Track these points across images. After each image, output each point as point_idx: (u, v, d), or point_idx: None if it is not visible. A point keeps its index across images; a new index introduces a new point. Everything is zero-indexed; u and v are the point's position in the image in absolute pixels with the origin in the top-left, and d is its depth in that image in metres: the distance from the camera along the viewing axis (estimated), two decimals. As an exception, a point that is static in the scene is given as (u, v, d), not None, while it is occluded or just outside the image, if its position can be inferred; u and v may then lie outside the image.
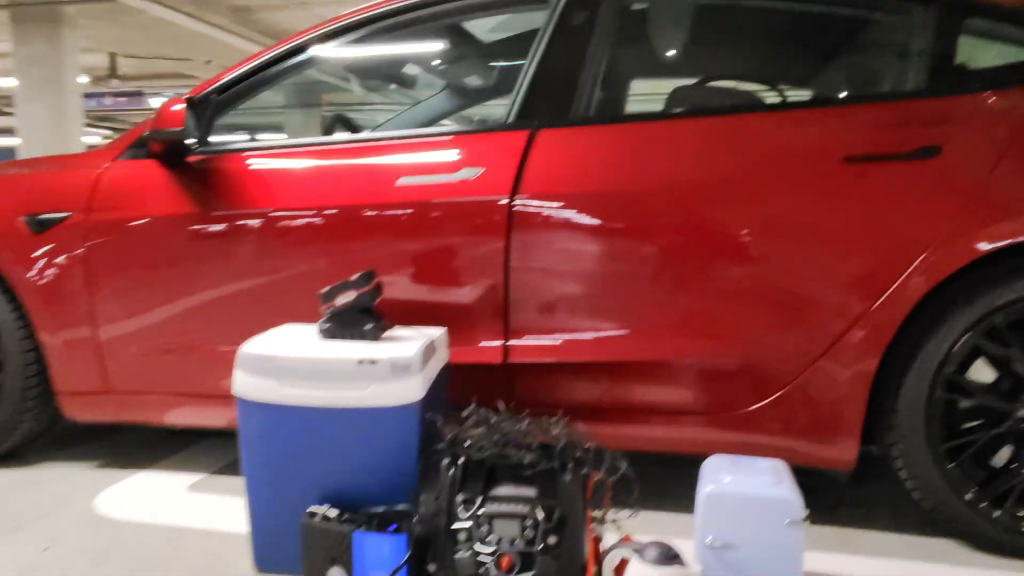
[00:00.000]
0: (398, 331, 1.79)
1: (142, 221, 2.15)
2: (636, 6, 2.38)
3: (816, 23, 2.35)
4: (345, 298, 1.65)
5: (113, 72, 11.72)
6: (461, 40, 2.89)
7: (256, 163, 2.14)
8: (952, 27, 1.95)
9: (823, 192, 1.81)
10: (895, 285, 1.76)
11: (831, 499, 2.11)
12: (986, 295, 1.75)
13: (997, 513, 1.76)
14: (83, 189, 2.22)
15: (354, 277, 1.67)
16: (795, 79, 2.80)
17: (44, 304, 2.21)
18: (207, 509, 2.02)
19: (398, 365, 1.57)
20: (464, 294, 1.96)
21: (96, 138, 19.42)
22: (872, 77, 2.22)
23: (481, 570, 1.40)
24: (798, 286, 1.83)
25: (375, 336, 1.66)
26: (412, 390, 1.58)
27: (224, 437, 2.56)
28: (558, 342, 1.94)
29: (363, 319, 1.66)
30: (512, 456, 1.49)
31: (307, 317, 2.01)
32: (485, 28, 2.78)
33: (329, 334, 1.68)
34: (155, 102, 14.66)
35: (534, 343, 1.95)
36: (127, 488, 2.18)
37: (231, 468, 2.33)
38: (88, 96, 11.42)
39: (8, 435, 2.28)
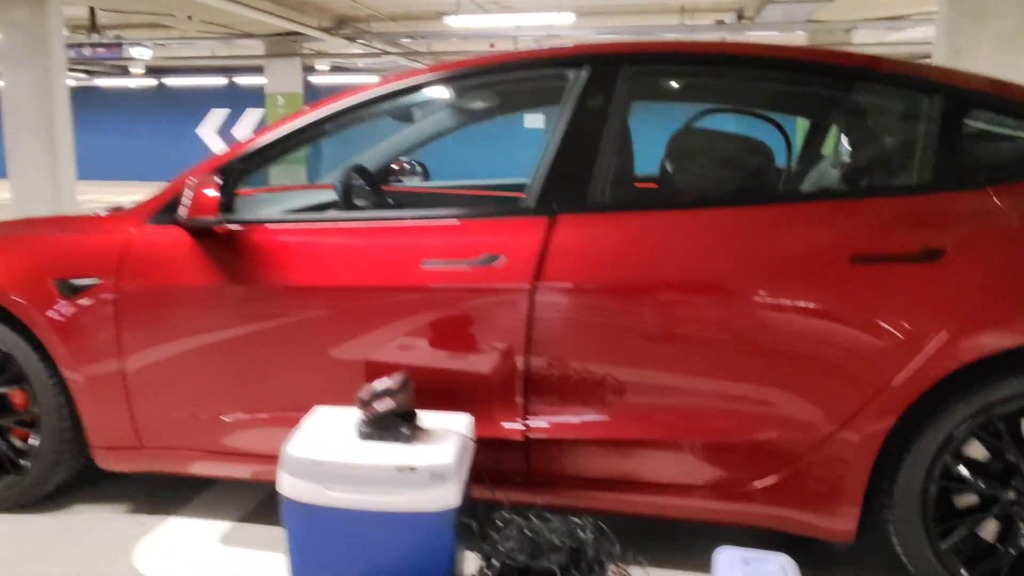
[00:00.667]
0: (429, 420, 1.88)
1: (170, 289, 2.22)
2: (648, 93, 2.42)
3: (821, 107, 2.39)
4: (383, 405, 1.74)
5: (93, 27, 11.39)
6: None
7: (282, 237, 2.19)
8: (956, 119, 2.03)
9: (831, 290, 1.91)
10: (897, 379, 1.87)
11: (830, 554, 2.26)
12: (982, 393, 1.87)
13: None
14: (112, 255, 2.27)
15: (393, 384, 1.76)
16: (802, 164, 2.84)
17: (78, 367, 2.28)
18: (241, 566, 2.14)
19: (436, 473, 1.68)
20: (486, 374, 2.05)
21: (71, 81, 18.90)
22: (879, 168, 2.28)
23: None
24: (806, 377, 1.94)
25: (411, 440, 1.76)
26: (449, 497, 1.69)
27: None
28: (576, 420, 2.05)
29: (400, 423, 1.76)
30: (545, 562, 1.61)
31: (330, 389, 2.11)
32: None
33: (367, 436, 1.77)
34: (136, 52, 14.30)
35: (552, 421, 2.06)
36: (162, 540, 2.29)
37: (256, 515, 2.44)
38: (68, 46, 11.07)
39: (41, 486, 2.39)
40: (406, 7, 11.28)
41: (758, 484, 2.00)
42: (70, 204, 7.75)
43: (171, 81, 19.04)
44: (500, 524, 1.68)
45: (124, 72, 18.25)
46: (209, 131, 19.79)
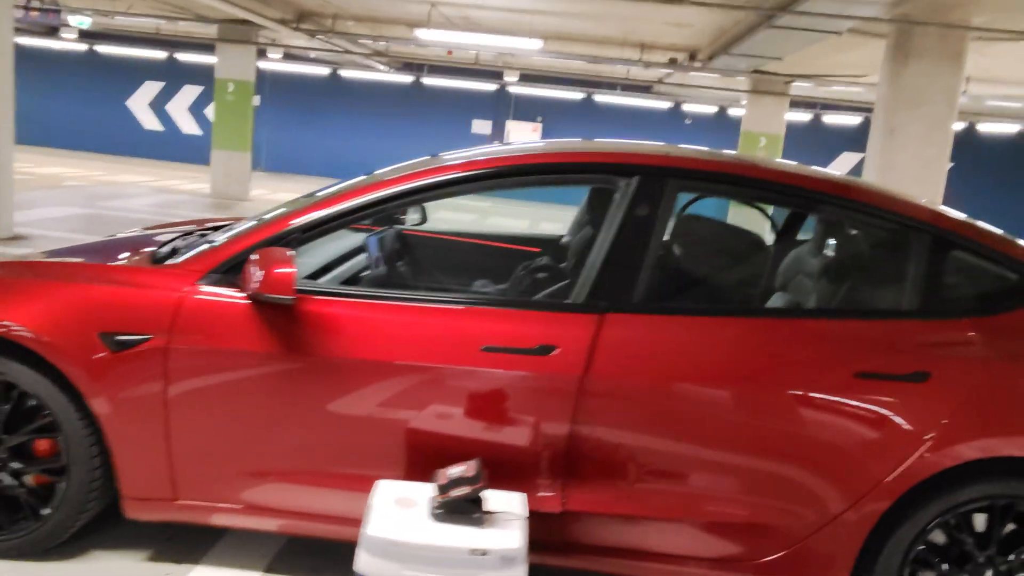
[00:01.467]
0: (493, 500, 2.03)
1: (222, 351, 2.27)
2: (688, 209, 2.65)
3: (834, 237, 2.68)
4: (459, 491, 1.90)
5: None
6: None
7: (340, 310, 2.28)
8: (941, 256, 2.36)
9: (837, 397, 2.20)
10: (887, 479, 2.18)
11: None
12: (950, 494, 2.20)
13: None
14: (164, 314, 2.28)
15: (470, 471, 1.92)
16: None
17: (119, 420, 2.29)
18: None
19: (507, 557, 1.86)
20: (529, 452, 2.24)
21: None
22: (876, 292, 2.59)
23: None
24: (813, 471, 2.22)
25: (481, 523, 1.93)
26: (515, 579, 1.88)
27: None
28: (608, 497, 2.26)
29: (472, 508, 1.93)
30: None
31: (379, 457, 2.26)
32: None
33: (440, 518, 1.93)
34: (73, 20, 13.65)
35: (587, 497, 2.26)
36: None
37: (280, 563, 2.53)
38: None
39: (62, 533, 2.39)
40: (374, 11, 11.25)
41: (765, 560, 2.27)
42: (6, 171, 7.24)
43: (105, 49, 18.20)
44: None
45: (52, 32, 17.30)
46: (141, 104, 19.02)
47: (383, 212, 2.45)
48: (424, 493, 2.03)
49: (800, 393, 2.21)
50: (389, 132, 19.29)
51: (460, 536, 1.88)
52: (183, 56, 17.78)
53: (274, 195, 14.33)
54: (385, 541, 1.86)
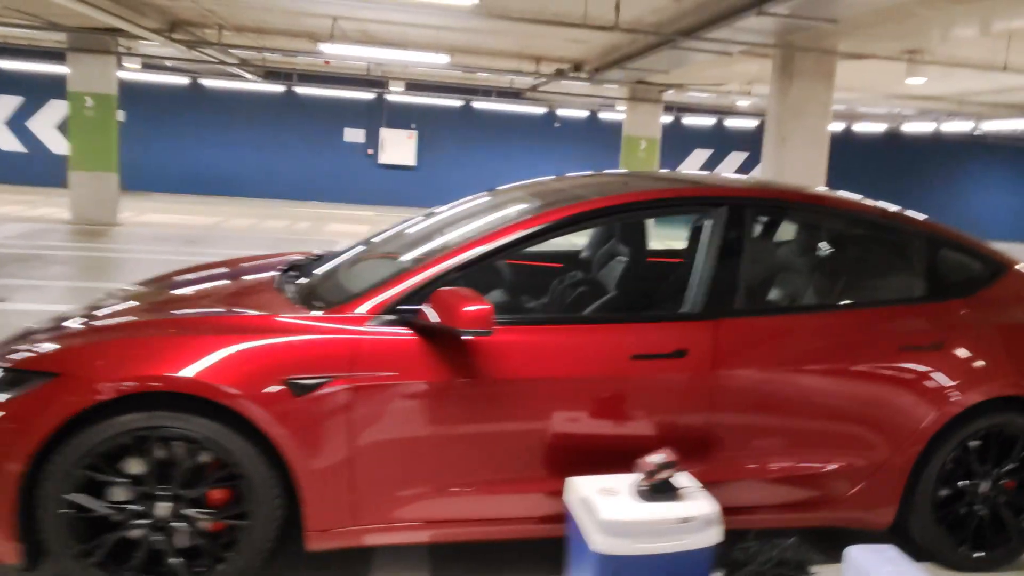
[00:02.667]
0: (679, 480, 2.52)
1: (399, 384, 2.54)
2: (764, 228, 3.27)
3: (866, 246, 3.41)
4: (664, 473, 2.38)
5: None
6: None
7: (505, 335, 2.63)
8: (935, 251, 3.14)
9: (888, 368, 2.92)
10: (922, 424, 2.91)
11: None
12: (963, 429, 2.97)
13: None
14: (343, 355, 2.51)
15: (668, 457, 2.40)
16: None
17: (305, 458, 2.48)
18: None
19: (707, 520, 2.37)
20: (675, 436, 2.74)
21: None
22: (900, 285, 3.34)
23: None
24: (873, 426, 2.92)
25: (678, 498, 2.42)
26: (715, 536, 2.39)
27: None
28: (741, 464, 2.83)
29: (669, 487, 2.41)
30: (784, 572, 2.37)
31: (556, 462, 2.66)
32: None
33: (648, 498, 2.39)
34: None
35: (724, 466, 2.81)
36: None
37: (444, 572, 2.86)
38: None
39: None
40: (262, 23, 11.14)
41: (842, 497, 2.94)
42: None
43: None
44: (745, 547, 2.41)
45: None
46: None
47: (515, 254, 2.83)
48: (619, 481, 2.49)
49: (864, 368, 2.90)
50: (259, 144, 18.84)
51: (667, 510, 2.36)
52: (46, 67, 15.88)
53: (143, 217, 13.71)
54: (616, 523, 2.30)
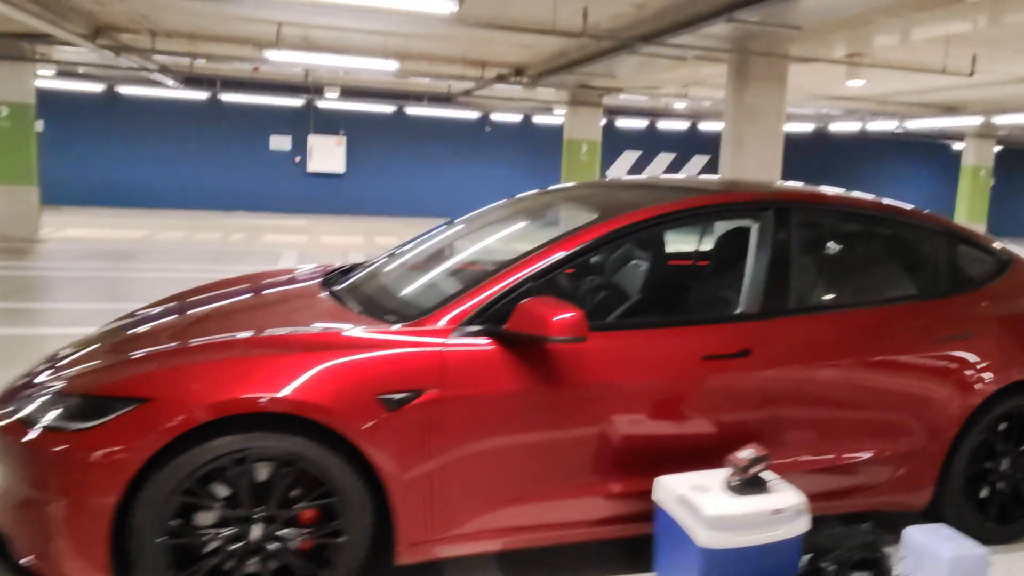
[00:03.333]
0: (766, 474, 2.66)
1: (486, 394, 2.58)
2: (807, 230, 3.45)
3: (893, 243, 3.65)
4: (756, 468, 2.51)
5: None
6: None
7: (597, 342, 2.69)
8: (954, 247, 3.41)
9: (927, 357, 3.16)
10: (956, 410, 3.16)
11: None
12: (989, 411, 3.23)
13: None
14: (432, 368, 2.53)
15: (759, 452, 2.53)
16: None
17: (399, 473, 2.49)
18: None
19: (798, 510, 2.51)
20: (746, 435, 2.86)
21: None
22: (927, 281, 3.59)
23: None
24: (912, 413, 3.14)
25: (766, 491, 2.56)
26: (805, 524, 2.54)
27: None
28: (799, 458, 2.99)
29: (759, 480, 2.54)
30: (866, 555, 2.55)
31: (640, 462, 2.76)
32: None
33: (741, 492, 2.52)
34: None
35: (786, 455, 2.96)
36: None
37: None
38: None
39: None
40: (196, 28, 10.80)
41: (894, 477, 3.15)
42: None
43: None
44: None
45: None
46: None
47: (587, 261, 2.92)
48: (706, 478, 2.61)
49: (906, 359, 3.13)
50: (181, 153, 18.20)
51: (761, 502, 2.49)
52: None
53: (65, 232, 13.08)
54: (720, 518, 2.41)
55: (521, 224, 3.60)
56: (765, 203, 3.17)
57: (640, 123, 19.78)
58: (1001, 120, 13.35)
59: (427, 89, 17.18)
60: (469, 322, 2.66)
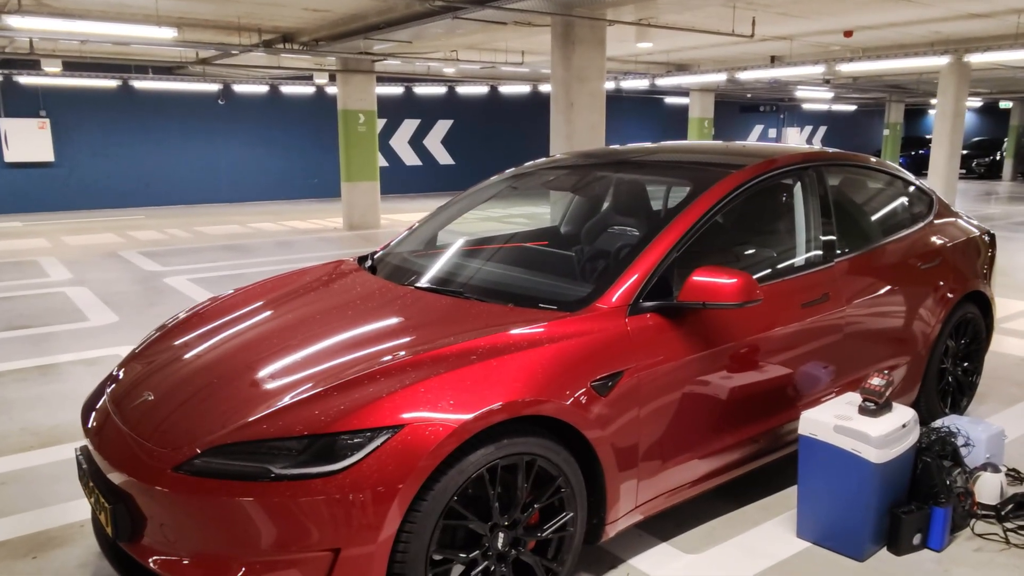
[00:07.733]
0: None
1: (668, 364, 2.85)
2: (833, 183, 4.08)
3: (887, 193, 4.46)
4: (888, 391, 3.10)
5: None
6: None
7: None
8: (908, 189, 4.36)
9: (921, 279, 4.02)
10: (937, 318, 4.08)
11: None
12: (953, 317, 4.22)
13: None
14: (624, 348, 2.74)
15: (890, 377, 3.11)
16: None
17: (612, 455, 2.69)
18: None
19: (914, 422, 3.15)
20: (827, 367, 3.49)
21: None
22: (904, 220, 4.41)
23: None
24: (918, 323, 3.98)
25: (890, 409, 3.15)
26: (917, 433, 3.19)
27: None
28: (858, 382, 3.64)
29: (888, 402, 3.14)
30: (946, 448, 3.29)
31: (778, 401, 3.25)
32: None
33: (874, 414, 3.08)
34: None
35: (854, 384, 3.62)
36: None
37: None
38: None
39: None
40: None
41: (905, 376, 3.98)
42: None
43: None
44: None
45: None
46: None
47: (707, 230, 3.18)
48: (838, 407, 3.13)
49: (911, 284, 3.95)
50: None
51: (893, 419, 3.07)
52: None
53: None
54: (882, 437, 2.94)
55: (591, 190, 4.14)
56: (806, 163, 3.74)
57: (420, 90, 20.02)
58: (744, 76, 15.63)
59: (151, 58, 15.66)
60: (637, 298, 2.87)
